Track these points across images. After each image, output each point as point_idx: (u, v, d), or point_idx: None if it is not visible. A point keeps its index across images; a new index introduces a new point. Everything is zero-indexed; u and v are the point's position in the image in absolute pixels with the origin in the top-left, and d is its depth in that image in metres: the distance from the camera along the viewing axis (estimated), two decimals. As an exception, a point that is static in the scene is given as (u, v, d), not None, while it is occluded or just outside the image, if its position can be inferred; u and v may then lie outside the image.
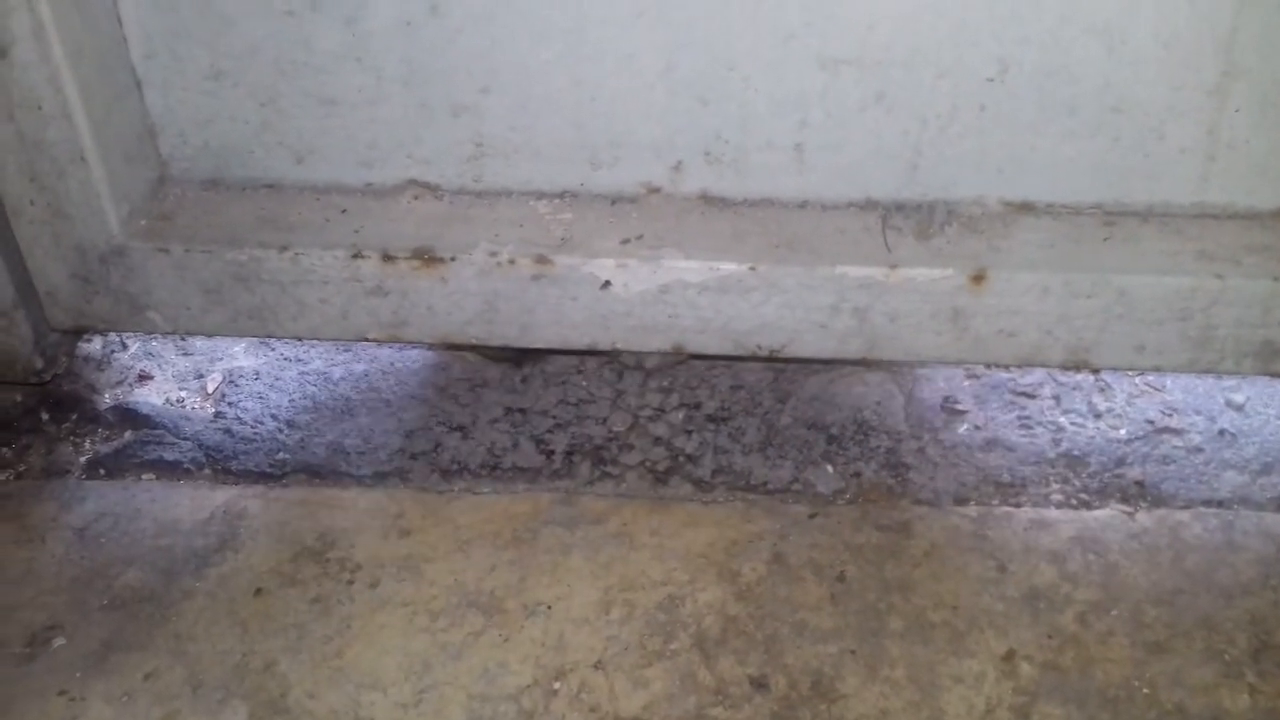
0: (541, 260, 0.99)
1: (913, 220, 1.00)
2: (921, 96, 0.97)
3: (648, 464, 1.09)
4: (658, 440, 1.11)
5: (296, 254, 1.00)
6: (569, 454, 1.10)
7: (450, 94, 1.00)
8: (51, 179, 0.98)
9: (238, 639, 0.93)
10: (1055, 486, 1.06)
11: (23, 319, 1.07)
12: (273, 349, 1.24)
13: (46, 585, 0.98)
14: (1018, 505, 1.04)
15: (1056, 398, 1.15)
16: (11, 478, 1.10)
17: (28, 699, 0.89)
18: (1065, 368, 1.01)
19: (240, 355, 1.23)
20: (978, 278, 0.96)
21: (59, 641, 0.94)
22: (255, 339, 1.23)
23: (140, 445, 1.13)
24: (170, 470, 1.10)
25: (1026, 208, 1.01)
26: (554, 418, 1.14)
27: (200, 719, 0.87)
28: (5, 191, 0.99)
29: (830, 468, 1.08)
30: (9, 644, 0.93)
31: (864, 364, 1.17)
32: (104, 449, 1.13)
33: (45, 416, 1.16)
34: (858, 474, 1.07)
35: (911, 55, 0.95)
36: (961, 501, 1.04)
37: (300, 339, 1.13)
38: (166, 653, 0.92)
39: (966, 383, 1.17)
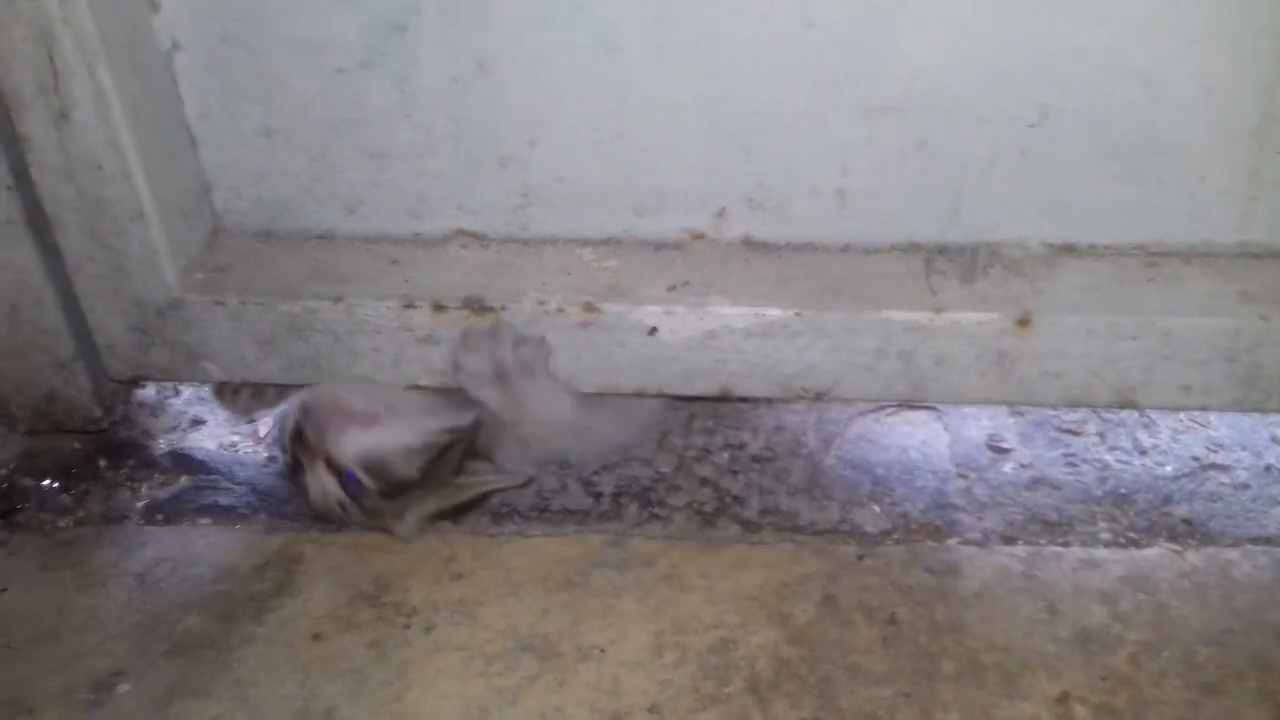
0: (589, 308, 1.01)
1: (956, 263, 1.01)
2: (963, 143, 0.98)
3: (695, 505, 1.10)
4: (704, 481, 1.12)
5: (350, 305, 1.02)
6: (616, 495, 1.11)
7: (498, 146, 1.02)
8: (111, 236, 1.00)
9: (298, 684, 0.95)
10: (1103, 525, 1.06)
11: (82, 370, 1.09)
12: (322, 392, 1.25)
13: (110, 631, 1.00)
14: (1066, 544, 1.04)
15: (1101, 434, 1.15)
16: (72, 524, 1.12)
17: (96, 747, 0.91)
18: (1111, 408, 1.01)
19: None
20: (1023, 321, 0.97)
21: (124, 688, 0.96)
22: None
23: (196, 491, 1.15)
24: (226, 515, 1.12)
25: (1069, 249, 1.02)
26: (600, 459, 1.15)
27: (265, 767, 0.89)
28: (66, 249, 1.02)
29: (877, 508, 1.09)
30: (75, 691, 0.95)
31: (908, 403, 1.17)
32: (161, 494, 1.15)
33: (103, 463, 1.18)
34: (905, 514, 1.08)
35: (953, 103, 0.96)
36: (1009, 541, 1.05)
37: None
38: (229, 698, 0.94)
39: (1011, 420, 1.18)
